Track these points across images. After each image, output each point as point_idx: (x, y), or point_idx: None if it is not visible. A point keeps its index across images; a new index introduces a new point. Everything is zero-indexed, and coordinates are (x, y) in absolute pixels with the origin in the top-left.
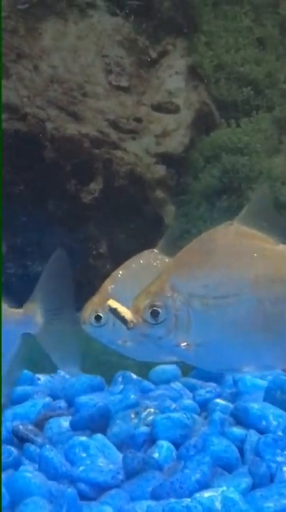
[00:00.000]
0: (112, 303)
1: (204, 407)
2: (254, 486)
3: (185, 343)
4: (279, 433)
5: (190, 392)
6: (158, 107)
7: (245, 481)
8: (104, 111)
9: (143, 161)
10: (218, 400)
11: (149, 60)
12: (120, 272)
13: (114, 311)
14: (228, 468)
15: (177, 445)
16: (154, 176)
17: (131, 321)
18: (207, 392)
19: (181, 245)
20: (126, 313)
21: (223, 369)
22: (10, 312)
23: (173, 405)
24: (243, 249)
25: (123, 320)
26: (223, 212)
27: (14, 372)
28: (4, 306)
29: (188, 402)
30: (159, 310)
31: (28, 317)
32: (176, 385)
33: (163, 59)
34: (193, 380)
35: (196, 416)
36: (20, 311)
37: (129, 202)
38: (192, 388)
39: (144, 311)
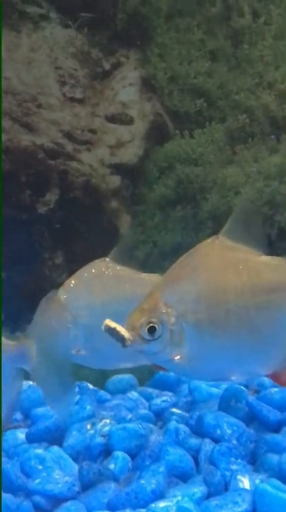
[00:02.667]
0: (110, 322)
1: (160, 416)
2: (209, 495)
3: (178, 357)
4: (234, 441)
5: (146, 402)
6: (112, 118)
7: (200, 490)
8: (58, 122)
9: (98, 172)
10: (173, 410)
11: (102, 71)
12: (72, 282)
13: (112, 331)
14: (183, 477)
15: (133, 455)
16: (109, 186)
17: (129, 339)
18: (163, 401)
19: (134, 254)
20: (124, 332)
21: (213, 379)
22: (5, 344)
23: (129, 415)
24: (229, 262)
25: (121, 338)
26: (177, 222)
27: (17, 385)
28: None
29: (143, 411)
30: (156, 326)
31: (23, 352)
32: (133, 394)
33: (117, 70)
34: (150, 390)
35: (151, 426)
36: (14, 343)
37: (85, 212)
38: (148, 398)
39: (140, 328)
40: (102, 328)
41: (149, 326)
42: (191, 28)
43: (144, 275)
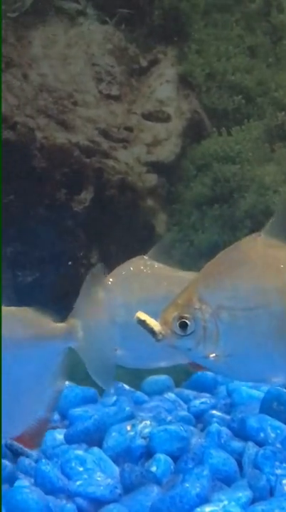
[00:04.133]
0: (141, 315)
1: (199, 418)
2: (254, 500)
3: (214, 354)
4: (278, 445)
5: (184, 404)
6: (149, 116)
7: (246, 495)
8: (94, 120)
9: (134, 170)
10: (213, 412)
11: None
12: (110, 279)
13: (142, 323)
14: (227, 481)
15: (175, 458)
16: (145, 184)
17: (160, 333)
18: (201, 403)
19: (172, 253)
20: (155, 325)
21: (252, 380)
22: (54, 326)
23: (169, 417)
24: (270, 260)
25: (152, 332)
26: (214, 221)
27: (58, 385)
28: (48, 320)
29: (183, 413)
30: (188, 322)
31: (71, 331)
32: (170, 396)
33: (154, 67)
34: (187, 391)
35: (192, 428)
36: (63, 325)
37: (121, 211)
38: (186, 399)
39: (172, 323)
40: (134, 319)
41: (180, 321)
42: (229, 23)
43: (182, 273)
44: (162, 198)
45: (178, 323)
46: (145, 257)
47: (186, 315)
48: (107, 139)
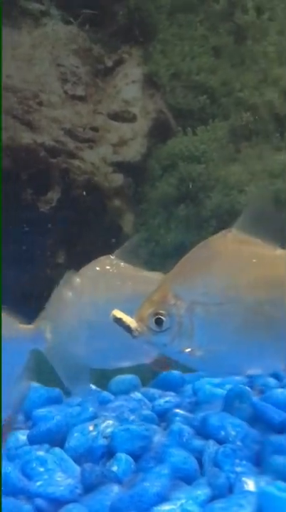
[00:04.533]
0: (117, 313)
1: (163, 417)
2: (213, 498)
3: (189, 349)
4: (238, 443)
5: (149, 403)
6: (114, 116)
7: (204, 493)
8: (60, 120)
9: (100, 170)
10: (177, 410)
11: (104, 68)
12: (77, 279)
13: (119, 321)
14: (187, 479)
15: (136, 457)
16: (112, 184)
17: (137, 330)
18: (166, 402)
19: (139, 253)
20: (131, 322)
21: (226, 373)
22: (21, 328)
23: (132, 416)
24: (242, 255)
25: (128, 329)
26: (180, 220)
27: (23, 386)
28: (15, 321)
29: (146, 412)
30: (163, 318)
31: (39, 334)
32: (136, 395)
33: (119, 67)
34: (153, 390)
35: (155, 427)
36: (30, 327)
37: (87, 211)
38: (152, 398)
39: (148, 320)
40: (110, 317)
41: (156, 317)
42: (193, 24)
43: (147, 273)
44: (128, 198)
45: (153, 320)
46: (111, 257)
47: (161, 311)
48: (72, 139)
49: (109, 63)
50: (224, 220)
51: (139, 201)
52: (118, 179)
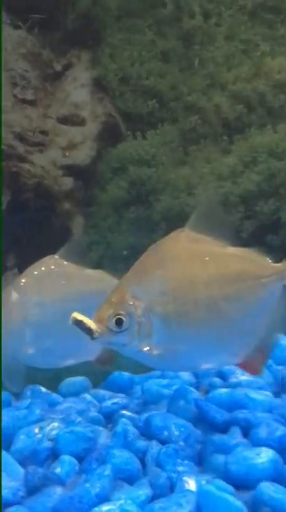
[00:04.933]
0: (77, 315)
1: (110, 418)
2: (154, 497)
3: (147, 348)
4: (181, 443)
5: (99, 404)
6: (64, 120)
7: (145, 493)
8: (10, 124)
9: (50, 174)
10: (123, 412)
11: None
12: (23, 280)
13: (80, 323)
14: (130, 480)
15: (80, 459)
16: (62, 188)
17: (97, 331)
18: (113, 403)
19: (82, 252)
20: (91, 324)
21: (183, 368)
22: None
23: (79, 418)
24: (195, 253)
25: (88, 330)
26: (130, 223)
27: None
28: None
29: (94, 414)
30: (123, 318)
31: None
32: (85, 397)
33: (68, 72)
34: (103, 392)
35: (101, 428)
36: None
37: (37, 214)
38: (101, 400)
39: (108, 320)
40: (70, 320)
41: (116, 318)
42: (141, 29)
43: (90, 271)
44: (78, 201)
45: (114, 320)
46: (56, 257)
47: (121, 312)
48: (22, 143)
49: (58, 67)
50: (174, 222)
51: (89, 204)
52: (68, 182)
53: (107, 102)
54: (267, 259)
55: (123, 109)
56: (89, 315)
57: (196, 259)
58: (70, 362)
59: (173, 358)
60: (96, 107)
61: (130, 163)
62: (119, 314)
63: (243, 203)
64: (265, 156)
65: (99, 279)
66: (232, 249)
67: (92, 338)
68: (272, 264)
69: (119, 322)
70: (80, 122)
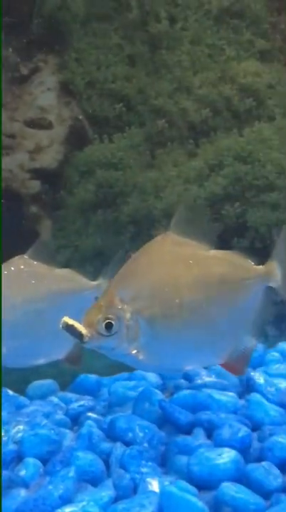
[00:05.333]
0: (68, 320)
1: (76, 421)
2: (117, 499)
3: (135, 351)
4: (145, 444)
5: (65, 407)
6: (31, 123)
7: (108, 494)
8: None
9: (17, 177)
10: (89, 414)
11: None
12: None
13: (71, 328)
14: (94, 482)
15: (45, 461)
16: (29, 191)
17: (87, 335)
18: (80, 406)
19: (51, 251)
20: (81, 328)
21: (168, 370)
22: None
23: (44, 421)
24: (179, 257)
25: (79, 335)
26: (98, 226)
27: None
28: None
29: (60, 417)
30: (113, 322)
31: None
32: (52, 400)
33: (35, 75)
34: (70, 394)
35: (67, 431)
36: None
37: (5, 217)
38: (68, 402)
39: (97, 325)
40: (60, 325)
41: (106, 322)
42: (108, 33)
43: (59, 270)
44: (46, 205)
45: (104, 324)
46: (25, 257)
47: (110, 316)
48: None
49: (25, 71)
50: (141, 225)
51: (56, 207)
52: (35, 186)
53: (74, 106)
54: (250, 261)
55: (90, 113)
56: (61, 314)
57: (181, 262)
58: (41, 361)
59: (159, 360)
60: (63, 111)
61: (97, 166)
62: (108, 318)
63: (210, 206)
64: (231, 159)
65: (68, 278)
66: (215, 252)
67: (83, 343)
68: (254, 266)
69: (108, 326)
70: (47, 126)
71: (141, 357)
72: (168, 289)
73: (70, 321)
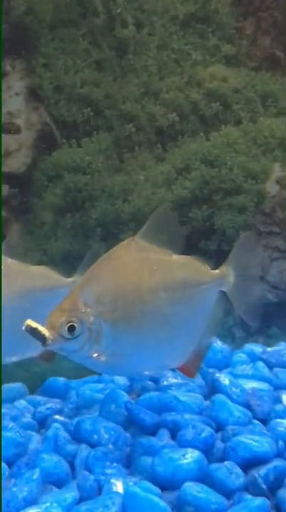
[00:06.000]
0: (31, 323)
1: (43, 423)
2: (81, 500)
3: (96, 354)
4: (110, 446)
5: (33, 409)
6: None
7: (72, 495)
8: None
9: None
10: (56, 417)
11: None
12: None
13: (33, 330)
14: (59, 483)
15: (11, 464)
16: None
17: (49, 338)
18: (47, 408)
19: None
20: (44, 331)
21: (128, 374)
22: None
23: (11, 424)
24: (143, 262)
25: (41, 337)
26: (67, 230)
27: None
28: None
29: (27, 420)
30: (75, 325)
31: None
32: (21, 403)
33: (3, 80)
34: (39, 397)
35: (33, 433)
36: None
37: None
38: (36, 405)
39: (60, 327)
40: (23, 328)
41: (68, 325)
42: (75, 38)
43: (32, 267)
44: (14, 209)
45: (66, 327)
46: None
47: (73, 319)
48: None
49: None
50: (109, 228)
51: (25, 211)
52: (3, 190)
53: (42, 111)
54: (207, 266)
55: (58, 118)
56: (36, 311)
57: (144, 267)
58: (15, 358)
59: (120, 364)
60: (31, 116)
61: (65, 170)
62: (71, 321)
63: (177, 210)
64: (198, 163)
65: (43, 275)
66: (177, 258)
67: (44, 345)
68: (211, 271)
69: (71, 329)
70: (15, 130)
71: (102, 360)
72: (131, 293)
73: (34, 324)
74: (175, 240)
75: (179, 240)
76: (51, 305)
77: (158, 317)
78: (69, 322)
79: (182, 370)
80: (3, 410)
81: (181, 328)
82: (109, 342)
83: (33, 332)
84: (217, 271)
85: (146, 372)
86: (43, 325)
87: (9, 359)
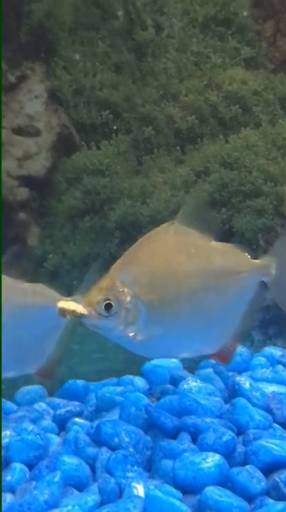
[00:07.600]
0: (64, 303)
1: (63, 426)
2: (102, 503)
3: (132, 333)
4: (131, 449)
5: (53, 412)
6: (19, 131)
7: (93, 499)
8: None
9: (5, 184)
10: (76, 419)
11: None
12: None
13: (63, 309)
14: (79, 487)
15: (31, 466)
16: (17, 198)
17: (86, 313)
18: (67, 411)
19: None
20: (77, 307)
21: (163, 356)
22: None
23: (31, 427)
24: (182, 246)
25: (75, 312)
26: (86, 232)
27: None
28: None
29: (47, 422)
30: (112, 303)
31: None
32: (40, 405)
33: (23, 83)
34: (58, 400)
35: (54, 436)
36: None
37: None
38: (56, 408)
39: (97, 305)
40: (56, 310)
41: (105, 302)
42: (94, 41)
43: (28, 285)
44: (34, 212)
45: (103, 305)
46: None
47: (110, 297)
48: None
49: (13, 79)
50: (128, 231)
51: (44, 214)
52: (23, 193)
53: (61, 113)
54: (247, 255)
55: (77, 120)
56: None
57: (182, 251)
58: (11, 374)
59: (154, 345)
60: (51, 118)
61: (85, 173)
62: (108, 299)
63: None
64: (217, 166)
65: (38, 292)
66: (216, 244)
67: (81, 319)
68: (252, 260)
69: (108, 306)
70: (35, 133)
71: (137, 340)
72: (169, 276)
73: (66, 304)
74: (212, 227)
75: (216, 227)
76: (45, 323)
77: (194, 301)
78: (106, 300)
79: (217, 356)
80: (22, 413)
81: (217, 314)
82: (145, 322)
83: (65, 309)
84: (258, 260)
85: (181, 355)
86: (37, 345)
87: (6, 374)
